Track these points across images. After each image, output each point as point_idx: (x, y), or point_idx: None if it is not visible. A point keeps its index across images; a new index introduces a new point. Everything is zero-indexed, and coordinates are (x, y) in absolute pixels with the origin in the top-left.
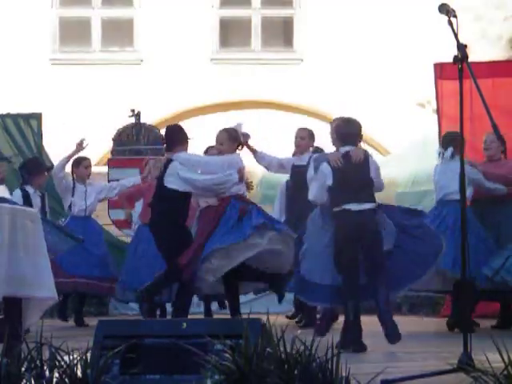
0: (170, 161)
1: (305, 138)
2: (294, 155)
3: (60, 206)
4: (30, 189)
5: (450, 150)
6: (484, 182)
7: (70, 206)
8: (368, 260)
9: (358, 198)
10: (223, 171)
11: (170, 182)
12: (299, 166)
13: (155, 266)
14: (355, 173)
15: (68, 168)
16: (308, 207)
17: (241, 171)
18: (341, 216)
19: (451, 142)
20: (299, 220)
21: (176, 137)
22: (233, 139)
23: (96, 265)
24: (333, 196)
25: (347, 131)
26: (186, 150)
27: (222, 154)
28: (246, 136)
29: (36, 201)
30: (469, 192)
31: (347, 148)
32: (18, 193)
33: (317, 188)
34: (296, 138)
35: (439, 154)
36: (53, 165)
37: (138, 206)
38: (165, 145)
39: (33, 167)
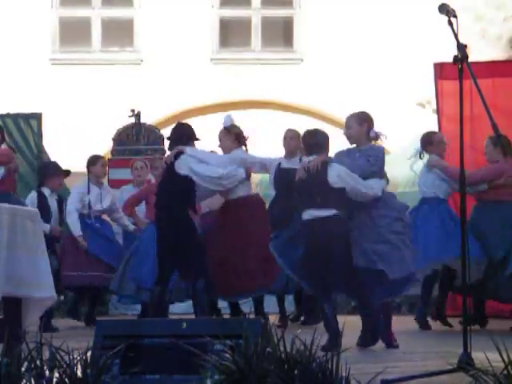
0: (180, 153)
1: (293, 138)
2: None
3: None
4: (46, 190)
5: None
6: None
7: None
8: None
9: (315, 205)
10: (225, 167)
11: (182, 170)
12: (288, 168)
13: None
14: (313, 181)
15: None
16: (291, 211)
17: (248, 170)
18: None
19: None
20: (280, 222)
21: (186, 133)
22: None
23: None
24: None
25: (313, 142)
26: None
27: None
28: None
29: (53, 203)
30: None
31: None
32: (33, 195)
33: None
34: (285, 138)
35: (420, 154)
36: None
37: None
38: (168, 140)
39: (48, 169)
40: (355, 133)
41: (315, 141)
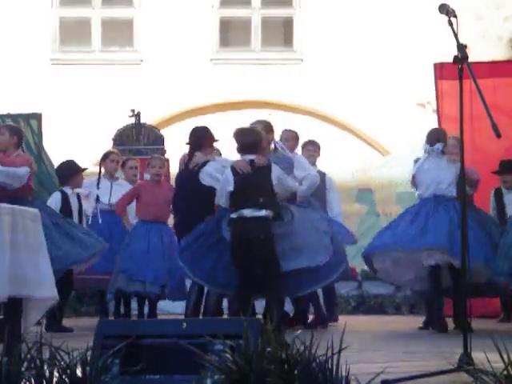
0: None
1: (289, 140)
2: None
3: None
4: (68, 190)
5: (440, 145)
6: None
7: (97, 199)
8: (259, 267)
9: (255, 204)
10: None
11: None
12: None
13: (170, 263)
14: (258, 180)
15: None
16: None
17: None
18: (236, 222)
19: (440, 138)
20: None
21: (203, 140)
22: None
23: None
24: (232, 201)
25: (247, 141)
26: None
27: None
28: None
29: (74, 201)
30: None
31: (250, 157)
32: (57, 195)
33: (219, 192)
34: (280, 139)
35: (425, 151)
36: (86, 168)
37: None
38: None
39: (69, 169)
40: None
41: (249, 140)
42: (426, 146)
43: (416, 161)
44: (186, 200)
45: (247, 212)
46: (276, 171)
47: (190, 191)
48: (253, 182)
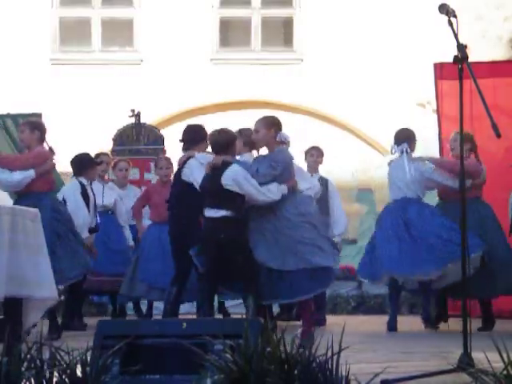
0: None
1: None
2: None
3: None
4: (83, 180)
5: (405, 145)
6: (433, 176)
7: None
8: (229, 268)
9: (213, 204)
10: None
11: (186, 176)
12: None
13: None
14: (214, 180)
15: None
16: None
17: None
18: (206, 220)
19: (406, 138)
20: None
21: (198, 136)
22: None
23: (119, 262)
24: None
25: (217, 141)
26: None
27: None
28: None
29: (90, 193)
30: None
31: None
32: (75, 182)
33: None
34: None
35: (392, 151)
36: (101, 161)
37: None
38: (183, 142)
39: (85, 161)
40: (263, 137)
41: (217, 140)
42: (393, 147)
43: (389, 164)
44: (176, 197)
45: (211, 212)
46: (232, 173)
47: (180, 189)
48: (209, 183)
